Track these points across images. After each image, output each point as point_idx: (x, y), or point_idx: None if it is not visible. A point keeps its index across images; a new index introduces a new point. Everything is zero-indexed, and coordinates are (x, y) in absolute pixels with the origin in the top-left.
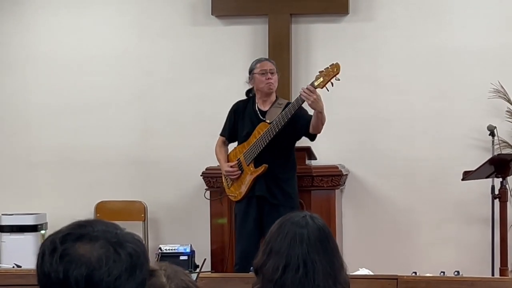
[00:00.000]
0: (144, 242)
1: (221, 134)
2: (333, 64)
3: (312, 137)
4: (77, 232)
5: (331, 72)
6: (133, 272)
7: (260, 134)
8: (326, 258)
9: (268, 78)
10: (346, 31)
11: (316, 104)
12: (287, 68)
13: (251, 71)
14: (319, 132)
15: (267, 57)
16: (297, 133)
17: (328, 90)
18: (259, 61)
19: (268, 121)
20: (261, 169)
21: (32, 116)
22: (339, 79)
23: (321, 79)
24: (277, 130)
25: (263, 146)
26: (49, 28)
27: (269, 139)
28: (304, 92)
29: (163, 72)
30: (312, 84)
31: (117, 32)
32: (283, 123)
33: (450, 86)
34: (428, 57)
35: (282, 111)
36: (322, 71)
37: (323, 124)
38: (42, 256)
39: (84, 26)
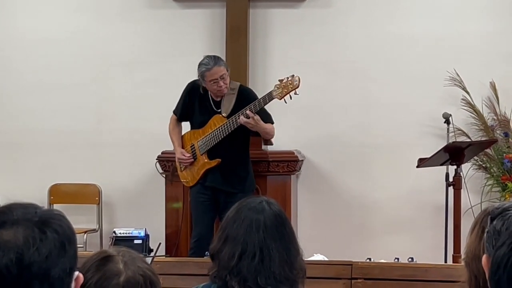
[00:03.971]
0: (66, 222)
1: (174, 112)
2: (293, 76)
3: None
4: None
5: (290, 86)
6: (63, 247)
7: (216, 126)
8: (282, 244)
9: (219, 86)
10: (304, 17)
11: (256, 128)
12: (245, 53)
13: (200, 76)
14: (269, 139)
15: (217, 56)
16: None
17: (286, 102)
18: (207, 68)
19: (224, 114)
20: (214, 162)
21: None
22: (297, 94)
23: (280, 90)
24: (233, 129)
25: (218, 140)
26: (3, 8)
27: (224, 135)
28: (243, 116)
29: (120, 55)
30: (270, 93)
31: (73, 13)
32: (238, 125)
33: (407, 73)
34: (385, 44)
35: (235, 104)
36: (282, 80)
37: (271, 137)
38: None
39: (40, 7)
